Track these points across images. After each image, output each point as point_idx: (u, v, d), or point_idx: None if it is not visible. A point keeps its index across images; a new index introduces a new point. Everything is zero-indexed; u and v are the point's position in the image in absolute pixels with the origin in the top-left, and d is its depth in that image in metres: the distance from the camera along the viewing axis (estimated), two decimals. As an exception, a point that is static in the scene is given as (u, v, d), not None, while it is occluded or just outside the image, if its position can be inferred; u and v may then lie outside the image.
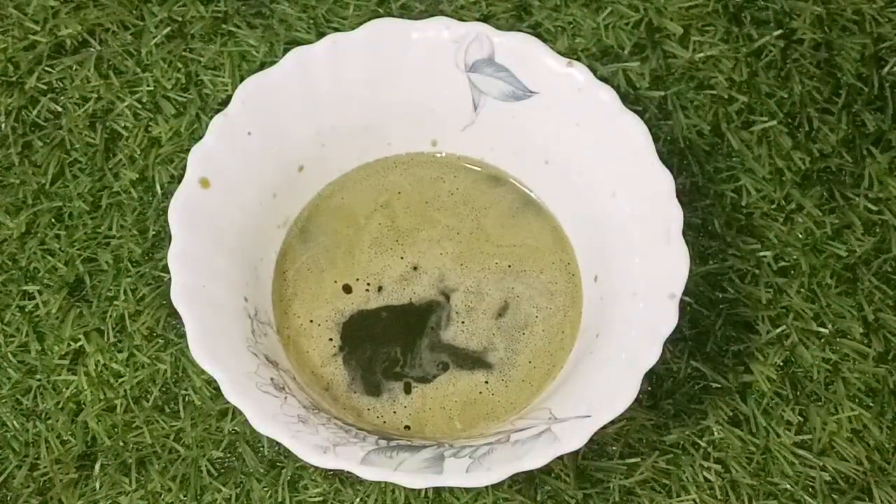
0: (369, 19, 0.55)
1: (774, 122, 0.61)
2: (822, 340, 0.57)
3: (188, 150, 0.52)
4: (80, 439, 0.55)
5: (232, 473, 0.54)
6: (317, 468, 0.53)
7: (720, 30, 0.63)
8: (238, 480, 0.54)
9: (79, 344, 0.56)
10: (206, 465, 0.54)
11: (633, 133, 0.52)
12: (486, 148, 0.57)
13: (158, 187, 0.59)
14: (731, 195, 0.59)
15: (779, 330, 0.56)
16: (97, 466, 0.54)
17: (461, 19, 0.56)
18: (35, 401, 0.55)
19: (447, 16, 0.55)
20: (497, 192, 0.57)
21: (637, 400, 0.48)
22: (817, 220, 0.59)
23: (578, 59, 0.58)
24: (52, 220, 0.59)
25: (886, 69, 0.63)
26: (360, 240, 0.56)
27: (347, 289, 0.55)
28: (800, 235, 0.59)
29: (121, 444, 0.54)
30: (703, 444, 0.54)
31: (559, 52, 0.54)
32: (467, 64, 0.55)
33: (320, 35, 0.59)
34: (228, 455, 0.54)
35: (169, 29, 0.63)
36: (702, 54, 0.62)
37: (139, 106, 0.61)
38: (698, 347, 0.56)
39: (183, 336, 0.50)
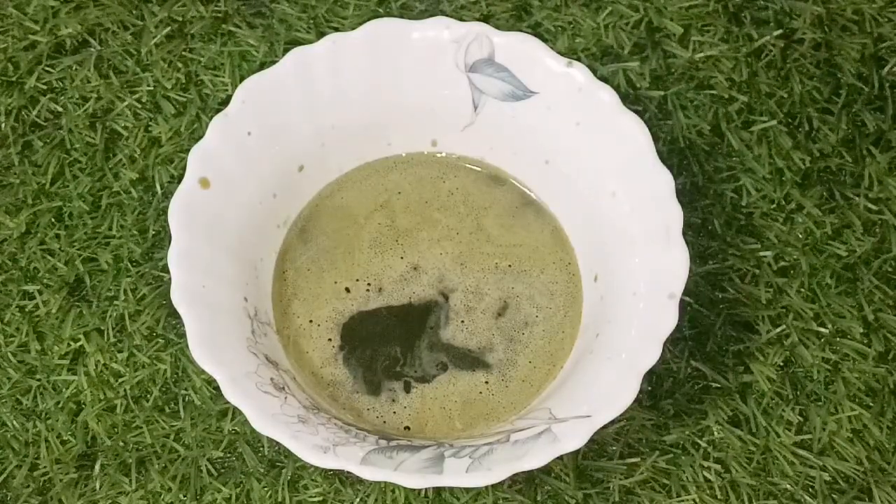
0: (369, 19, 0.55)
1: (774, 122, 0.61)
2: (822, 340, 0.57)
3: (188, 150, 0.52)
4: (80, 439, 0.55)
5: (232, 473, 0.54)
6: (317, 468, 0.53)
7: (720, 30, 0.63)
8: (238, 480, 0.54)
9: (79, 344, 0.56)
10: (206, 465, 0.54)
11: (633, 133, 0.52)
12: (486, 148, 0.57)
13: (158, 187, 0.59)
14: (731, 195, 0.59)
15: (779, 330, 0.56)
16: (97, 466, 0.54)
17: (461, 19, 0.56)
18: (35, 401, 0.55)
19: (447, 16, 0.55)
20: (497, 192, 0.57)
21: (637, 400, 0.48)
22: (817, 220, 0.59)
23: (578, 59, 0.58)
24: (52, 220, 0.59)
25: (886, 69, 0.63)
26: (360, 240, 0.56)
27: (347, 289, 0.55)
28: (800, 235, 0.59)
29: (121, 444, 0.54)
30: (703, 444, 0.54)
31: (559, 52, 0.54)
32: (467, 64, 0.55)
33: (320, 35, 0.59)
34: (228, 455, 0.54)
35: (169, 29, 0.63)
36: (702, 54, 0.62)
37: (139, 106, 0.61)
38: (698, 347, 0.56)
39: (183, 336, 0.50)
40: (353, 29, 0.54)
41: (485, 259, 0.56)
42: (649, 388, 0.55)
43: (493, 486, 0.53)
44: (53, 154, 0.60)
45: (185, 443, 0.54)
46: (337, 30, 0.62)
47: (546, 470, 0.53)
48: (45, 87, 0.62)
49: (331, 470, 0.53)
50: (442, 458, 0.47)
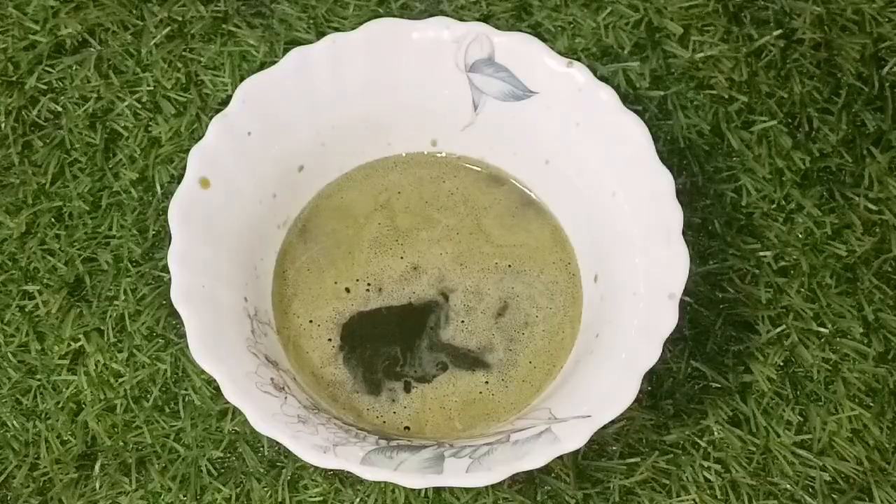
0: (369, 19, 0.55)
1: (774, 122, 0.61)
2: (822, 340, 0.57)
3: (188, 150, 0.52)
4: (80, 439, 0.55)
5: (232, 473, 0.54)
6: (317, 468, 0.53)
7: (720, 30, 0.63)
8: (238, 480, 0.54)
9: (79, 344, 0.56)
10: (206, 465, 0.54)
11: (633, 133, 0.52)
12: (486, 148, 0.57)
13: (158, 187, 0.59)
14: (731, 195, 0.59)
15: (779, 330, 0.56)
16: (97, 466, 0.54)
17: (461, 19, 0.56)
18: (35, 401, 0.55)
19: (447, 16, 0.55)
20: (497, 192, 0.57)
21: (637, 400, 0.48)
22: (817, 220, 0.59)
23: (578, 59, 0.58)
24: (52, 220, 0.59)
25: (886, 69, 0.62)
26: (360, 240, 0.56)
27: (347, 289, 0.55)
28: (800, 235, 0.59)
29: (121, 444, 0.54)
30: (703, 444, 0.54)
31: (559, 52, 0.54)
32: (467, 64, 0.55)
33: (320, 35, 0.59)
34: (228, 455, 0.54)
35: (169, 29, 0.63)
36: (702, 54, 0.62)
37: (139, 106, 0.61)
38: (698, 347, 0.56)
39: (183, 336, 0.50)
40: (353, 29, 0.54)
41: (485, 259, 0.56)
42: (649, 388, 0.55)
43: (493, 486, 0.53)
44: (53, 154, 0.60)
45: (185, 443, 0.54)
46: (337, 30, 0.62)
47: (546, 470, 0.52)
48: (45, 87, 0.62)
49: (331, 470, 0.53)
50: (442, 458, 0.47)
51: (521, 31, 0.56)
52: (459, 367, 0.54)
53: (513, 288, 0.55)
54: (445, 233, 0.56)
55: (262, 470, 0.54)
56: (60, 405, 0.55)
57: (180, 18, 0.63)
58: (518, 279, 0.55)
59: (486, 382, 0.53)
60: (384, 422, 0.52)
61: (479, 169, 0.58)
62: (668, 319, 0.49)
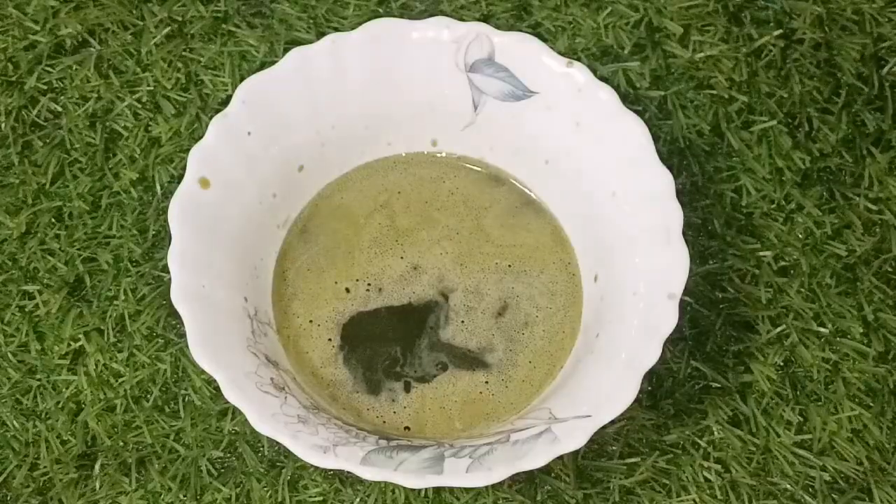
0: (369, 19, 0.55)
1: (774, 122, 0.61)
2: (822, 340, 0.57)
3: (188, 150, 0.52)
4: (80, 439, 0.55)
5: (232, 473, 0.54)
6: (317, 468, 0.53)
7: (720, 30, 0.63)
8: (238, 480, 0.54)
9: (79, 344, 0.56)
10: (206, 465, 0.54)
11: (633, 133, 0.52)
12: (486, 148, 0.57)
13: (158, 187, 0.59)
14: (731, 195, 0.59)
15: (779, 330, 0.56)
16: (97, 466, 0.54)
17: (461, 19, 0.56)
18: (35, 401, 0.55)
19: (447, 16, 0.55)
20: (497, 192, 0.57)
21: (637, 400, 0.48)
22: (817, 219, 0.59)
23: (578, 59, 0.58)
24: (52, 220, 0.59)
25: (886, 69, 0.62)
26: (360, 240, 0.56)
27: (347, 289, 0.55)
28: (800, 235, 0.59)
29: (121, 444, 0.54)
30: (703, 444, 0.54)
31: (559, 52, 0.54)
32: (467, 64, 0.55)
33: (320, 35, 0.59)
34: (228, 455, 0.54)
35: (169, 29, 0.63)
36: (702, 54, 0.62)
37: (139, 106, 0.61)
38: (698, 347, 0.56)
39: (183, 336, 0.50)
40: (353, 29, 0.54)
41: (485, 259, 0.56)
42: (649, 388, 0.55)
43: (493, 486, 0.53)
44: (53, 154, 0.60)
45: (185, 443, 0.54)
46: (337, 30, 0.62)
47: (546, 470, 0.52)
48: (45, 87, 0.62)
49: (331, 470, 0.53)
50: (442, 458, 0.47)
51: (521, 31, 0.56)
52: (459, 367, 0.54)
53: (513, 288, 0.55)
54: (445, 233, 0.56)
55: (262, 470, 0.54)
56: (60, 405, 0.55)
57: (180, 18, 0.63)
58: (518, 279, 0.55)
59: (486, 382, 0.53)
60: (384, 422, 0.52)
61: (479, 169, 0.58)
62: (668, 319, 0.49)
